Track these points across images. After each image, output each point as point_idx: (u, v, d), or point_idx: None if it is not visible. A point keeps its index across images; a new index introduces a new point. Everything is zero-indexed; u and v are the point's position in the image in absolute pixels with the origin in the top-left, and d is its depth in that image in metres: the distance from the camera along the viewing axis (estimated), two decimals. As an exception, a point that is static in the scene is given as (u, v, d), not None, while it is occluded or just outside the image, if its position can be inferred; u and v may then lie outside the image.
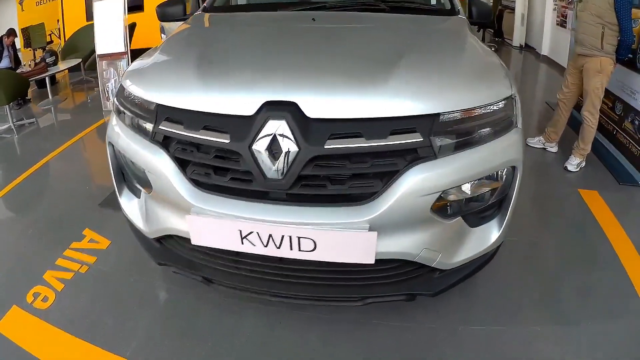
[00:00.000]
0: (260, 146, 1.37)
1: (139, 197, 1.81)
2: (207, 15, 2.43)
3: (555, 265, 2.28)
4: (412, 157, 1.40)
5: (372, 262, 1.46)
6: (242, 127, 1.39)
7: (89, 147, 3.89)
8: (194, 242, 1.53)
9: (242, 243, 1.47)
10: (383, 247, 1.44)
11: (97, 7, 2.61)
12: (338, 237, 1.40)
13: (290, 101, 1.37)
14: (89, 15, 5.25)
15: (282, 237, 1.43)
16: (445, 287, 1.73)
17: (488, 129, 1.52)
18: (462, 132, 1.46)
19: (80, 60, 5.10)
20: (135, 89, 1.67)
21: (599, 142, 3.62)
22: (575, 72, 3.23)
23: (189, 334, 1.88)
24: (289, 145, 1.35)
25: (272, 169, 1.38)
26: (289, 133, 1.35)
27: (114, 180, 1.90)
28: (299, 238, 1.42)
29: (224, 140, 1.40)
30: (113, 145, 1.81)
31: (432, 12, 2.50)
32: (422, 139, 1.38)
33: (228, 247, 1.51)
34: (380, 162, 1.39)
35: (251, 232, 1.44)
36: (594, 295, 2.08)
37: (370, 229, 1.38)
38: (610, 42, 2.92)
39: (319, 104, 1.39)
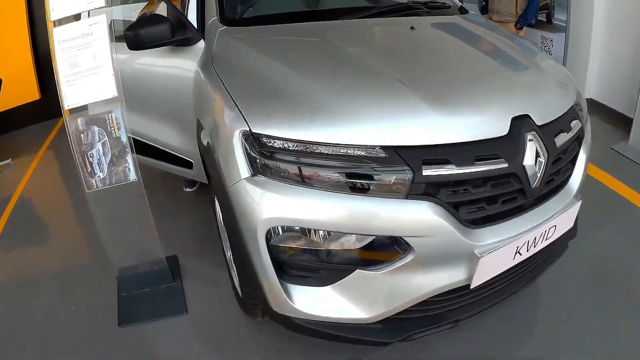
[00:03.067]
0: (528, 160, 1.41)
1: (327, 284, 1.42)
2: (254, 29, 1.94)
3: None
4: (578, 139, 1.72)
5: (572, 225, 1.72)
6: (505, 146, 1.40)
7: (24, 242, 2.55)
8: (475, 284, 1.41)
9: (514, 258, 1.47)
10: None
11: (58, 35, 1.53)
12: (568, 214, 1.60)
13: (526, 114, 1.46)
14: None
15: (542, 233, 1.51)
16: None
17: None
18: None
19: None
20: (347, 135, 1.32)
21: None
22: None
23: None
24: (543, 152, 1.46)
25: (539, 178, 1.45)
26: (540, 141, 1.45)
27: (275, 281, 1.41)
28: (549, 229, 1.53)
29: (502, 165, 1.36)
30: (271, 234, 1.37)
31: (463, 11, 2.51)
32: (580, 124, 1.72)
33: (503, 270, 1.48)
34: (573, 147, 1.68)
35: (524, 244, 1.46)
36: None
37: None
38: (522, 7, 3.70)
39: (541, 111, 1.52)
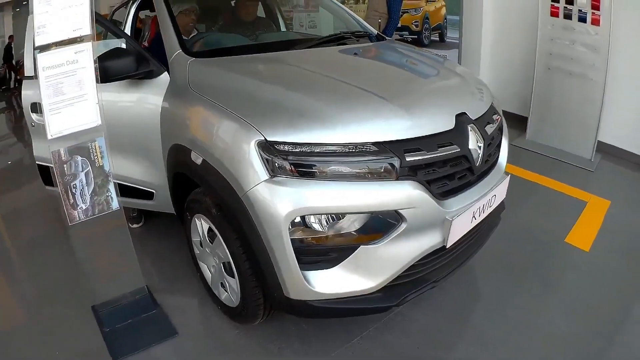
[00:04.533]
0: (472, 145, 1.87)
1: (337, 264, 1.70)
2: (224, 59, 2.21)
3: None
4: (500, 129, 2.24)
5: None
6: (455, 135, 1.83)
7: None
8: (450, 243, 1.79)
9: (471, 221, 1.89)
10: None
11: (42, 61, 1.51)
12: (502, 185, 2.09)
13: (464, 112, 1.92)
14: None
15: (488, 200, 1.96)
16: None
17: None
18: None
19: None
20: (353, 135, 1.66)
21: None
22: None
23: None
24: (480, 139, 1.92)
25: (480, 158, 1.91)
26: (477, 131, 1.92)
27: (297, 270, 1.66)
28: (491, 197, 1.99)
29: (456, 150, 1.80)
30: (292, 226, 1.62)
31: (380, 38, 3.00)
32: (500, 116, 2.25)
33: (465, 231, 1.88)
34: (497, 134, 2.17)
35: (478, 209, 1.89)
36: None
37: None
38: (382, 27, 4.30)
39: (473, 109, 2.00)
